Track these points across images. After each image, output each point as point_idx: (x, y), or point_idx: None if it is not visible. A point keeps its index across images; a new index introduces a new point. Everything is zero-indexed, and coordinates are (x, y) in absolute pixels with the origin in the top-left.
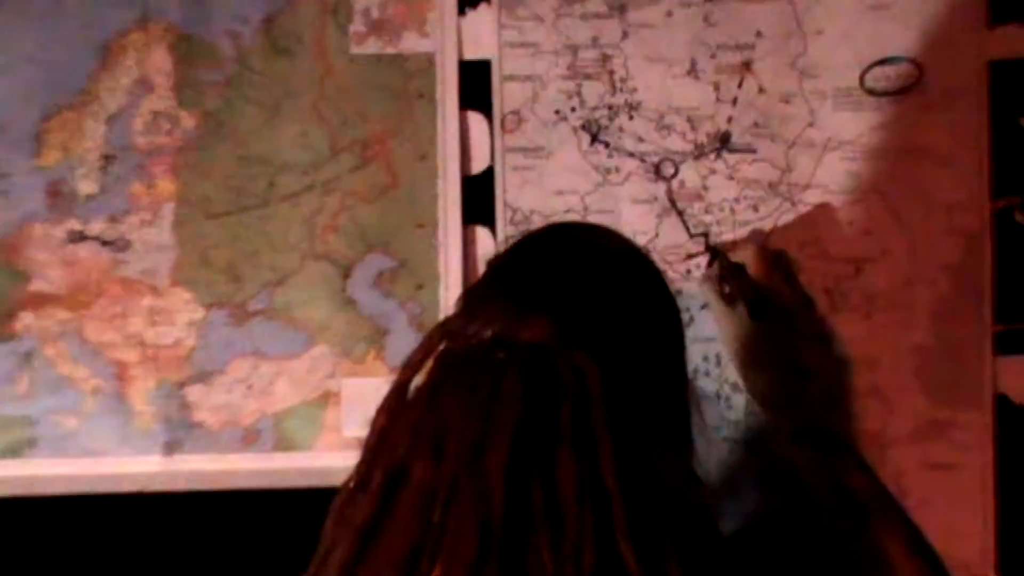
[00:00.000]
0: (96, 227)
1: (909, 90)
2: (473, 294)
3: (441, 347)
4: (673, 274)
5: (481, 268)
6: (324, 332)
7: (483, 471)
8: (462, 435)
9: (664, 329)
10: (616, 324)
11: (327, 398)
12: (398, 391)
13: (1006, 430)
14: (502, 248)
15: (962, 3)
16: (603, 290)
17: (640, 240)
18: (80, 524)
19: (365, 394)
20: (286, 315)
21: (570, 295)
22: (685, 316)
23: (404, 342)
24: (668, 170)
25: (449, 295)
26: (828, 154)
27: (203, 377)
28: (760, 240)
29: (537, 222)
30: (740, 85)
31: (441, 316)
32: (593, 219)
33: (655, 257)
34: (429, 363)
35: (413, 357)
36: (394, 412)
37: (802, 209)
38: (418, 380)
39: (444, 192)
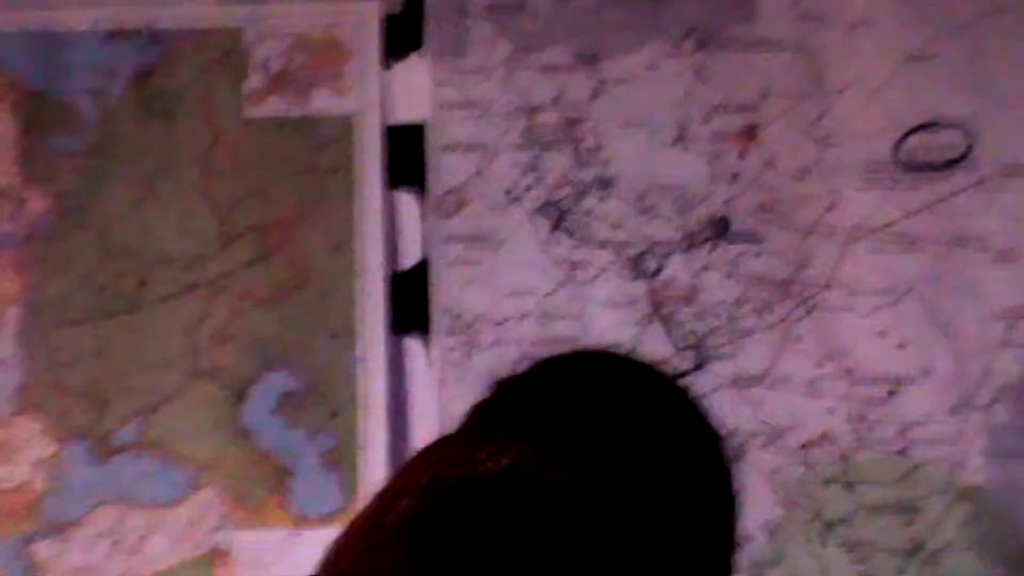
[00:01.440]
0: None
1: (956, 164)
2: (485, 415)
3: (430, 476)
4: None
5: (415, 388)
6: (211, 472)
7: None
8: None
9: (711, 489)
10: (653, 479)
11: (215, 558)
12: (368, 526)
13: None
14: (515, 370)
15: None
16: (643, 440)
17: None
18: None
19: (264, 552)
20: (163, 450)
21: (604, 439)
22: None
23: (314, 485)
24: (650, 265)
25: (370, 425)
26: (853, 245)
27: (55, 530)
28: None
29: (484, 331)
30: (742, 157)
31: (362, 451)
32: (557, 327)
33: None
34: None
35: (393, 484)
36: (360, 556)
37: (821, 315)
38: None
39: (364, 293)
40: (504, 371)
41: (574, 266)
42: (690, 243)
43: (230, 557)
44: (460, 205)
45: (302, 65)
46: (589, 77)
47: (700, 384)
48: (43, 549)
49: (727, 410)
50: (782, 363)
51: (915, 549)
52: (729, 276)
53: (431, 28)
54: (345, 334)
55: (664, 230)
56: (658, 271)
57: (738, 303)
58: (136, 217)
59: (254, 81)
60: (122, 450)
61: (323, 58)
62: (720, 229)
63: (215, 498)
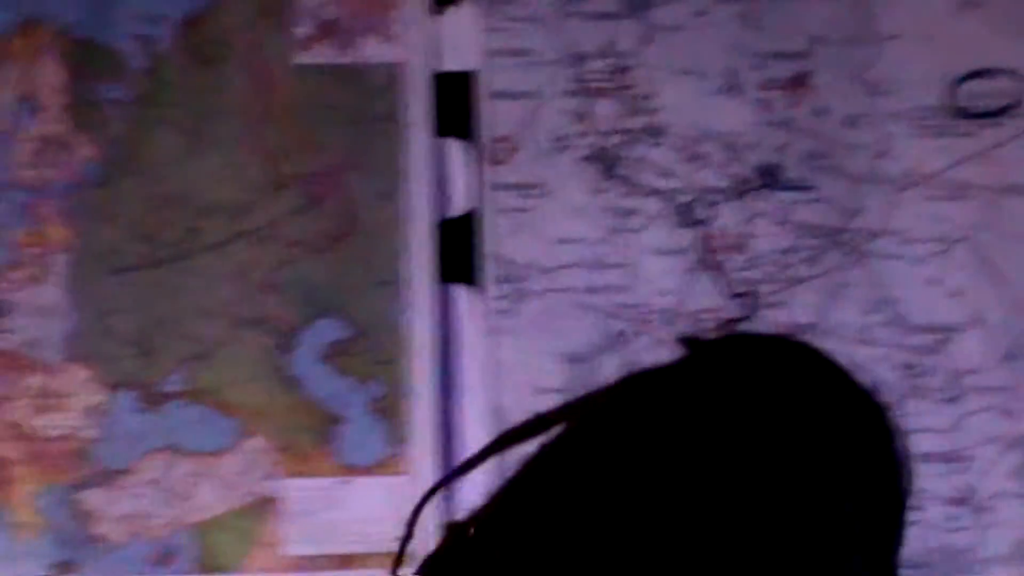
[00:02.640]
0: None
1: (1010, 111)
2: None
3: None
4: None
5: (464, 337)
6: (260, 420)
7: None
8: None
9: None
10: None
11: (263, 506)
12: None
13: None
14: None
15: None
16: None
17: (666, 302)
18: None
19: (312, 501)
20: (211, 398)
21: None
22: None
23: (362, 433)
24: (701, 213)
25: (418, 373)
26: (905, 192)
27: (104, 478)
28: None
29: (533, 279)
30: (792, 105)
31: (410, 400)
32: (607, 274)
33: (683, 324)
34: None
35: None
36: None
37: (872, 263)
38: None
39: (414, 241)
40: (558, 321)
41: (624, 214)
42: (740, 191)
43: (278, 505)
44: (509, 153)
45: (350, 12)
46: (638, 24)
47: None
48: (92, 497)
49: None
50: (833, 312)
51: (965, 498)
52: (779, 224)
53: None
54: (393, 282)
55: (714, 178)
56: (708, 219)
57: (788, 252)
58: (184, 165)
59: (303, 28)
60: (171, 398)
61: (371, 5)
62: (770, 177)
63: (263, 446)
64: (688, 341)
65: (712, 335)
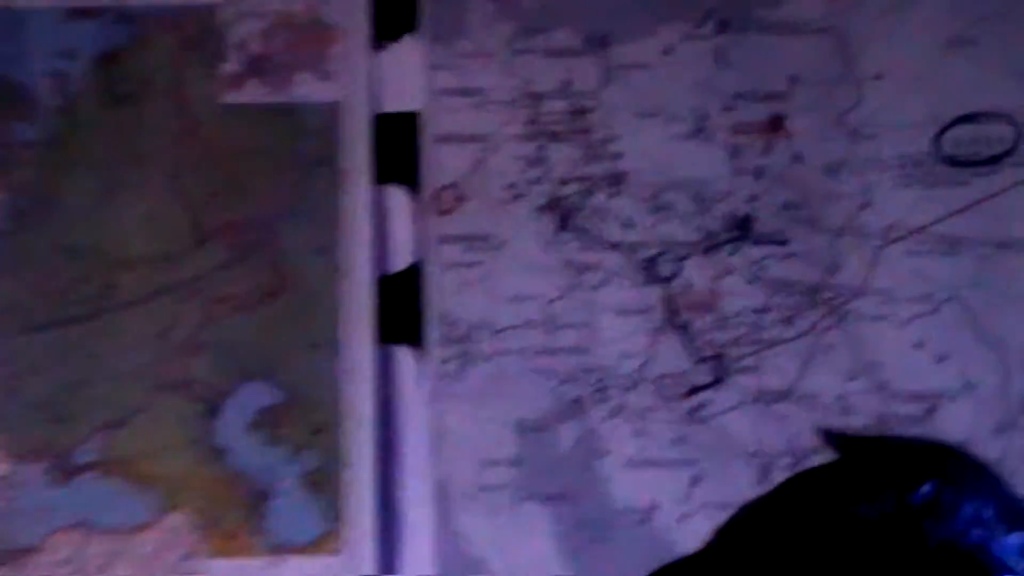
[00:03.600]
0: None
1: (1002, 159)
2: None
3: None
4: (670, 414)
5: (405, 404)
6: (181, 494)
7: None
8: None
9: None
10: None
11: None
12: None
13: None
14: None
15: None
16: None
17: (627, 366)
18: None
19: None
20: (128, 470)
21: None
22: None
23: (294, 509)
24: (667, 268)
25: (356, 443)
26: (889, 247)
27: (10, 557)
28: None
29: (482, 341)
30: (767, 150)
31: (347, 472)
32: (563, 336)
33: (646, 390)
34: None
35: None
36: None
37: (853, 324)
38: None
39: (351, 298)
40: (510, 386)
41: (582, 269)
42: (709, 245)
43: None
44: (457, 202)
45: (283, 47)
46: (599, 62)
47: (720, 400)
48: None
49: (749, 429)
50: (810, 377)
51: None
52: (752, 281)
53: (426, 7)
54: (329, 343)
55: (681, 230)
56: (674, 275)
57: (762, 311)
58: (100, 213)
59: (231, 64)
60: (83, 469)
61: (307, 39)
62: (743, 229)
63: (185, 523)
64: (836, 439)
65: (857, 433)
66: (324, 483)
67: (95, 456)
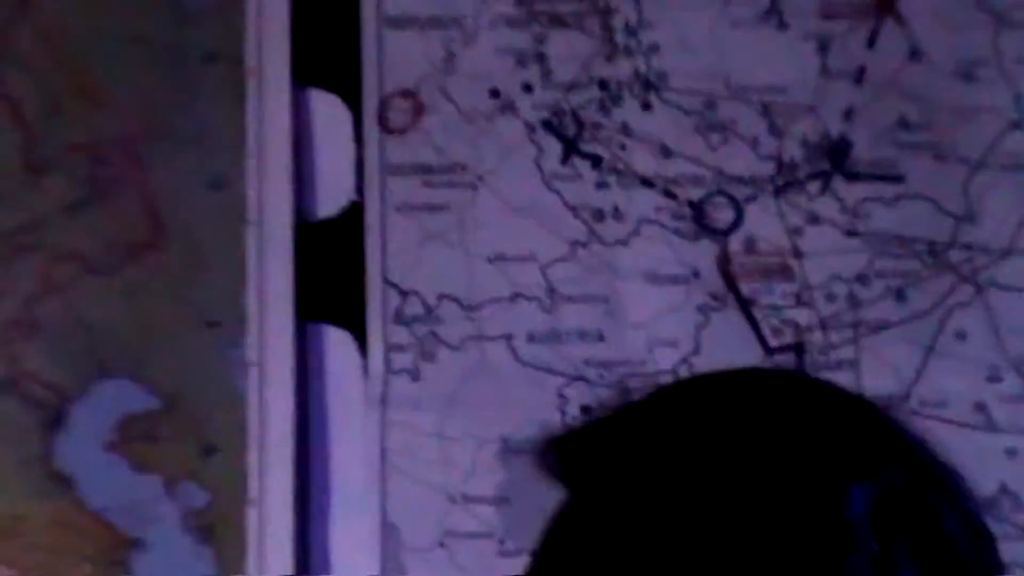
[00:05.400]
0: None
1: None
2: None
3: None
4: None
5: (339, 411)
6: (10, 541)
7: None
8: None
9: None
10: None
11: None
12: None
13: None
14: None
15: None
16: None
17: (669, 357)
18: None
19: None
20: None
21: None
22: None
23: (172, 563)
24: (720, 217)
25: (266, 467)
26: None
27: None
28: None
29: (452, 321)
30: (872, 42)
31: (251, 510)
32: (568, 314)
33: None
34: None
35: None
36: None
37: (995, 299)
38: None
39: (260, 257)
40: (491, 388)
41: (599, 215)
42: (785, 182)
43: None
44: (415, 116)
45: None
46: None
47: None
48: None
49: None
50: (935, 375)
51: None
52: (850, 235)
53: None
54: (227, 323)
55: (743, 161)
56: (733, 227)
57: (863, 280)
58: None
59: None
60: None
61: None
62: (835, 160)
63: None
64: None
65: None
66: (217, 527)
67: None
